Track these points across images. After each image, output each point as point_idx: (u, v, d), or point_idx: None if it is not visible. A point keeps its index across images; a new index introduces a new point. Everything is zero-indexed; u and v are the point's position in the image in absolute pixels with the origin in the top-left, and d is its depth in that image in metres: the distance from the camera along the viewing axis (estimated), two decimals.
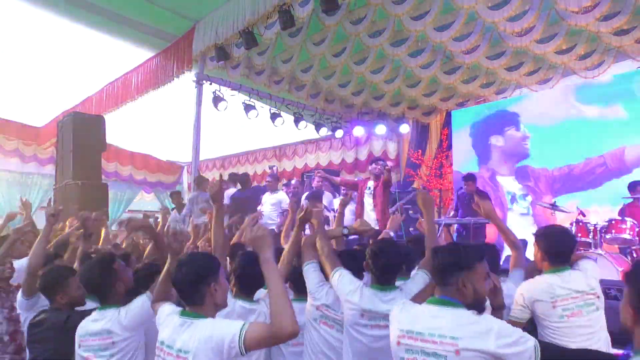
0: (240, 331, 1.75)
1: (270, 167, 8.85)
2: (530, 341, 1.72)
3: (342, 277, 2.51)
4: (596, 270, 2.70)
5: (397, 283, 2.51)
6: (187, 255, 2.08)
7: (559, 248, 2.62)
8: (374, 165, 6.27)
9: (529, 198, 8.58)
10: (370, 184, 6.14)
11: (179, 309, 2.02)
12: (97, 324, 2.31)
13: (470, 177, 7.15)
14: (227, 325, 1.83)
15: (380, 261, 2.43)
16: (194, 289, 1.93)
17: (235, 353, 1.76)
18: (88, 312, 2.51)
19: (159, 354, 1.93)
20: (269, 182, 7.34)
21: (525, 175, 8.65)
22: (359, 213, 6.08)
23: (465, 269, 1.85)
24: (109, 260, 2.50)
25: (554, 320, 2.49)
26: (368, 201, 6.06)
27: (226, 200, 7.83)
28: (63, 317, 2.51)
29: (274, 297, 1.77)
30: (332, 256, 2.64)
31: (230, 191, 7.95)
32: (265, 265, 1.83)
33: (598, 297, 2.52)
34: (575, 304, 2.50)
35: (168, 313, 2.04)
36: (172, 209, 7.99)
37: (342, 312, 2.52)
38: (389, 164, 6.46)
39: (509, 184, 8.91)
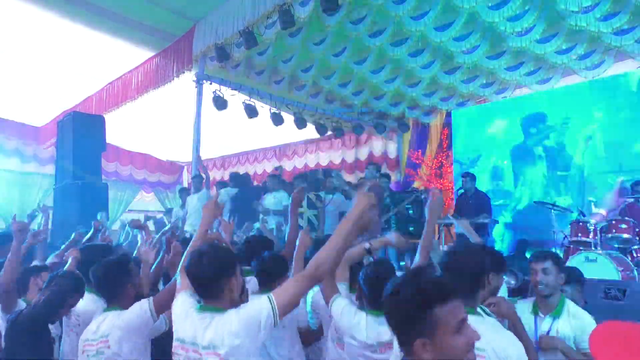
0: (270, 302, 1.76)
1: (276, 168, 8.79)
2: None
3: (343, 309, 2.33)
4: None
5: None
6: (208, 245, 2.01)
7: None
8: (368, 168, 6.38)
9: None
10: None
11: (195, 302, 1.95)
12: (98, 327, 2.28)
13: (468, 174, 7.21)
14: (254, 305, 1.81)
15: (377, 287, 2.17)
16: (214, 281, 1.86)
17: (270, 325, 1.76)
18: (38, 309, 2.49)
19: (179, 352, 1.85)
20: (270, 181, 7.41)
21: None
22: None
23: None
24: (126, 260, 2.49)
25: None
26: None
27: (222, 200, 7.85)
28: (14, 315, 2.51)
29: (333, 245, 1.77)
30: (333, 279, 2.47)
31: (231, 191, 7.97)
32: (349, 221, 1.81)
33: None
34: None
35: (183, 304, 1.96)
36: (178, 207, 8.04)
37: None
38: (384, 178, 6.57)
39: None
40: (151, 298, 2.28)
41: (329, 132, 10.19)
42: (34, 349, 2.48)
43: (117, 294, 2.39)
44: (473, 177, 7.25)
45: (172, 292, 2.19)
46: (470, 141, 9.71)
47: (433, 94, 8.97)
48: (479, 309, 1.96)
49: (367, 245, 2.82)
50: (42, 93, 9.92)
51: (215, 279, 1.86)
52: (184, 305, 1.96)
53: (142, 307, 2.24)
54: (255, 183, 10.88)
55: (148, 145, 13.30)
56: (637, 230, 5.44)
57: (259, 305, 1.78)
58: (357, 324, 2.25)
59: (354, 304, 2.38)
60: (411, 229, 7.25)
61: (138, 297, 2.39)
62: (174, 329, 1.94)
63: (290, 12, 5.90)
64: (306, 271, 1.79)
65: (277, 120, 9.04)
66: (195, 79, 7.86)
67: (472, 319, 1.53)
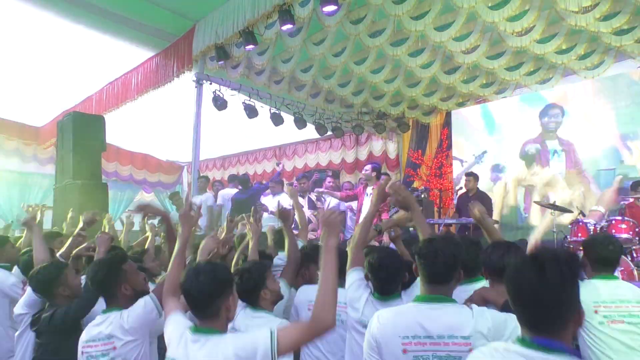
0: (271, 337, 1.70)
1: (278, 164, 8.71)
2: None
3: (353, 282, 2.45)
4: None
5: None
6: (205, 263, 1.98)
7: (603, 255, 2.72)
8: (364, 170, 6.45)
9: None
10: (369, 190, 6.17)
11: (190, 323, 1.90)
12: (98, 328, 2.24)
13: (472, 174, 7.23)
14: (254, 336, 1.74)
15: (380, 275, 2.37)
16: (211, 301, 1.80)
17: None
18: (74, 308, 2.50)
19: None
20: (273, 186, 7.42)
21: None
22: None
23: None
24: (118, 260, 2.44)
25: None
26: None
27: (222, 201, 7.83)
28: (49, 314, 2.48)
29: (325, 289, 1.74)
30: (356, 252, 2.54)
31: (231, 192, 7.96)
32: (329, 253, 1.82)
33: None
34: (618, 312, 2.50)
35: (177, 325, 1.91)
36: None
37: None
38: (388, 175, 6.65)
39: None
40: (153, 294, 2.24)
41: (329, 132, 10.18)
42: (68, 347, 2.41)
43: (112, 296, 2.34)
44: (476, 177, 7.26)
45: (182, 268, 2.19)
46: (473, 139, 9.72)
47: (433, 94, 8.96)
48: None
49: (377, 227, 2.97)
50: (42, 93, 9.94)
51: (212, 298, 1.80)
52: (178, 326, 1.91)
53: (146, 305, 2.21)
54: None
55: (148, 145, 13.34)
56: (637, 230, 5.44)
57: (259, 338, 1.72)
58: (357, 299, 2.39)
59: (367, 284, 2.48)
60: (411, 229, 7.26)
61: (142, 294, 2.34)
62: (167, 348, 1.91)
63: (290, 12, 5.90)
64: (311, 324, 1.74)
65: (277, 120, 9.03)
66: (195, 79, 7.86)
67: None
